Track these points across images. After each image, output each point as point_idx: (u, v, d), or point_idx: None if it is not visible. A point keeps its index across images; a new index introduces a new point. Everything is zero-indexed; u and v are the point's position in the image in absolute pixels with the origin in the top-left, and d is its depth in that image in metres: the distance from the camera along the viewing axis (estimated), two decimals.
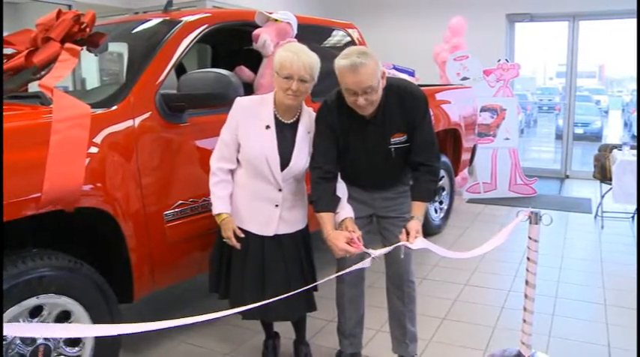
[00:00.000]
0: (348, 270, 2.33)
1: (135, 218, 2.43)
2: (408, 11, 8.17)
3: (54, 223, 2.27)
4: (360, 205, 2.54)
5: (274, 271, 2.43)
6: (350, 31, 4.14)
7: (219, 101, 2.55)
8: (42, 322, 2.14)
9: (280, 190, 2.42)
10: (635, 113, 14.49)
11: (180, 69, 3.45)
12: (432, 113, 2.52)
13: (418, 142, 2.43)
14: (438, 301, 3.58)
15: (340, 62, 2.24)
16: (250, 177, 2.42)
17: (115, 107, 2.45)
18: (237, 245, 2.39)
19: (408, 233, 2.34)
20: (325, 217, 2.37)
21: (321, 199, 2.40)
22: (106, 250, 2.52)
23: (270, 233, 2.44)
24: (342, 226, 2.40)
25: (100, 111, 2.38)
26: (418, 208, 2.44)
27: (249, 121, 2.38)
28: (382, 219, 2.61)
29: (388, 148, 2.42)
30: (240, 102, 2.43)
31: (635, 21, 6.74)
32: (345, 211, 2.44)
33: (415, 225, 2.36)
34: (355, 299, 2.69)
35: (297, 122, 2.45)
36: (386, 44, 7.27)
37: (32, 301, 2.08)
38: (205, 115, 2.75)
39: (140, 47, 2.90)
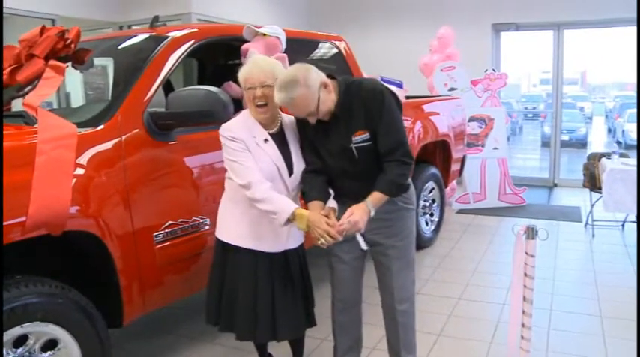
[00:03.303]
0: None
1: (124, 240, 2.36)
2: (395, 22, 8.18)
3: (40, 247, 2.20)
4: None
5: (282, 292, 2.43)
6: (338, 43, 4.12)
7: (208, 119, 2.50)
8: (27, 351, 2.06)
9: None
10: (619, 119, 14.67)
11: (166, 85, 3.41)
12: (401, 108, 2.39)
13: (382, 133, 2.31)
14: (433, 317, 3.53)
15: (277, 96, 2.22)
16: None
17: (101, 126, 2.39)
18: (339, 237, 2.25)
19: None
20: (315, 203, 2.36)
21: (312, 190, 2.40)
22: (94, 274, 2.45)
23: (281, 248, 2.43)
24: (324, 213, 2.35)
25: (86, 130, 2.32)
26: (372, 197, 2.31)
27: (250, 140, 2.34)
28: (371, 246, 2.51)
29: (350, 147, 2.33)
30: (231, 126, 2.35)
31: (634, 28, 6.81)
32: (331, 203, 2.42)
33: (357, 211, 2.27)
34: (346, 326, 2.63)
35: (281, 130, 2.45)
36: (373, 55, 7.25)
37: (17, 331, 2.00)
38: (195, 133, 2.69)
39: (127, 64, 2.84)
